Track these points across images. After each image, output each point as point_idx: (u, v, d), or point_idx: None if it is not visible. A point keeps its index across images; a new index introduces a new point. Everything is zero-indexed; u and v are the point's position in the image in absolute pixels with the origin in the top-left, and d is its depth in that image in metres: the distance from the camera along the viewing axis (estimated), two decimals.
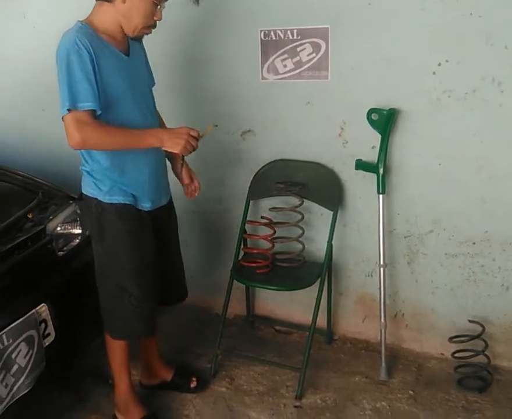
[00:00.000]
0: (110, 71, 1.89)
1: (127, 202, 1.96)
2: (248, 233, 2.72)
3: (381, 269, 2.46)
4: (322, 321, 2.64)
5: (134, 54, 2.03)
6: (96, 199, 1.97)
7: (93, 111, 1.84)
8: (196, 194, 2.28)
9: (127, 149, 1.93)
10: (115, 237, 1.96)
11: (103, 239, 1.99)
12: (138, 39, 2.03)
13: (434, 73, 2.29)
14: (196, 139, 1.94)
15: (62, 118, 1.85)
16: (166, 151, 2.02)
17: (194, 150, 1.94)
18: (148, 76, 2.15)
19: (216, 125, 2.07)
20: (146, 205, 2.05)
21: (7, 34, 3.08)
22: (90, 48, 1.82)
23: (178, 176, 2.24)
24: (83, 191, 2.04)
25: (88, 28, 1.88)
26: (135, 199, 2.01)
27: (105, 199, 1.97)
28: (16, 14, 3.02)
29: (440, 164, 2.38)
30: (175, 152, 1.93)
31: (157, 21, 1.97)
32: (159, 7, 1.93)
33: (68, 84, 1.80)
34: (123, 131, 1.89)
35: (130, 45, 2.02)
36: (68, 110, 1.80)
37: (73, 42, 1.81)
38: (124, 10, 1.89)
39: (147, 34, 2.00)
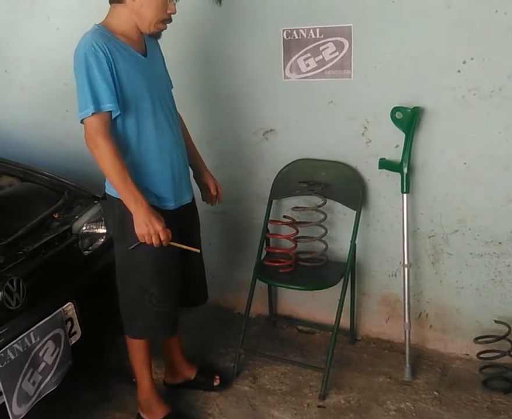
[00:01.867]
0: (128, 72, 1.90)
1: (150, 203, 1.97)
2: (270, 232, 2.72)
3: (405, 269, 2.44)
4: (345, 321, 2.64)
5: (151, 55, 2.05)
6: (119, 199, 1.98)
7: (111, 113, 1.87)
8: (218, 202, 2.33)
9: (112, 184, 1.92)
10: (134, 240, 1.95)
11: (126, 239, 2.00)
12: (156, 36, 2.03)
13: (459, 71, 2.26)
14: (161, 242, 1.92)
15: (82, 121, 1.88)
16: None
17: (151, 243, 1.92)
18: (167, 77, 2.16)
19: (198, 251, 2.09)
20: (169, 205, 2.06)
21: (32, 36, 3.12)
22: (106, 49, 1.84)
23: (203, 184, 2.27)
24: (106, 191, 2.06)
25: (104, 30, 1.90)
26: (158, 199, 2.02)
27: None
28: (40, 16, 3.05)
29: (465, 163, 2.35)
30: (136, 230, 1.90)
31: (172, 15, 1.96)
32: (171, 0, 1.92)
33: (90, 87, 1.82)
34: (123, 175, 1.86)
35: (147, 45, 2.03)
36: (92, 113, 1.82)
37: (89, 44, 1.83)
38: (135, 7, 1.90)
39: (163, 29, 1.99)
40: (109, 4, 1.98)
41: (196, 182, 2.29)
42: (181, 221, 2.11)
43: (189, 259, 2.16)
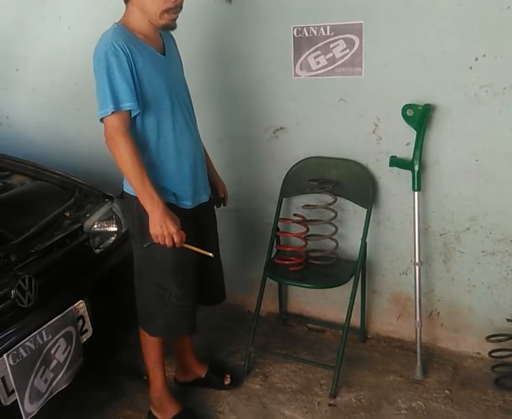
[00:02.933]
0: (148, 70, 1.91)
1: (169, 201, 1.97)
2: (280, 230, 2.72)
3: (417, 267, 2.43)
4: (355, 319, 2.63)
5: (169, 54, 2.05)
6: (137, 198, 1.98)
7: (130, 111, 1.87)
8: (223, 205, 2.37)
9: (130, 183, 1.93)
10: (150, 236, 1.95)
11: (144, 238, 2.00)
12: (170, 28, 2.00)
13: (471, 68, 2.24)
14: (174, 244, 1.92)
15: (101, 119, 1.88)
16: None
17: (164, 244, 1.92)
18: (184, 76, 2.16)
19: (211, 255, 2.06)
20: (187, 203, 2.06)
21: (43, 36, 3.14)
22: (126, 48, 1.85)
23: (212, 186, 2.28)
24: (125, 190, 2.06)
25: (123, 29, 1.91)
26: (176, 198, 2.02)
27: None
28: (51, 16, 3.07)
29: (477, 161, 2.34)
30: (150, 230, 1.91)
31: (179, 4, 1.93)
32: None
33: (110, 85, 1.82)
34: (141, 175, 1.87)
35: (165, 44, 2.04)
36: (112, 112, 1.83)
37: (110, 43, 1.84)
38: (139, 3, 1.91)
39: (174, 19, 1.96)
40: (122, 4, 1.98)
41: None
42: (198, 220, 2.11)
43: (207, 257, 2.16)
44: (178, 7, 1.93)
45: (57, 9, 3.05)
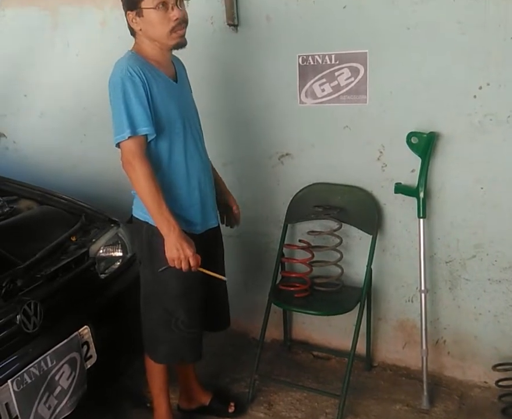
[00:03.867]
0: (162, 96, 1.93)
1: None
2: (285, 256, 2.71)
3: (422, 295, 2.41)
4: (360, 347, 2.61)
5: (181, 80, 2.08)
6: (147, 223, 1.99)
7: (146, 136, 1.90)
8: (237, 224, 2.37)
9: (146, 207, 1.93)
10: (165, 261, 1.95)
11: (153, 263, 2.01)
12: (181, 45, 1.99)
13: (475, 97, 2.26)
14: (190, 267, 1.93)
15: (118, 144, 1.90)
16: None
17: (180, 268, 1.93)
18: (194, 102, 2.19)
19: (225, 279, 2.11)
20: (196, 228, 2.07)
21: (52, 62, 3.17)
22: (142, 74, 1.88)
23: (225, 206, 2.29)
24: (134, 214, 2.07)
25: (137, 56, 1.94)
26: (185, 223, 2.02)
27: None
28: (60, 43, 3.11)
29: (482, 188, 2.34)
30: (166, 254, 1.92)
31: (182, 19, 1.92)
32: (170, 6, 1.90)
33: (126, 111, 1.85)
34: (158, 199, 1.88)
35: (177, 71, 2.07)
36: (129, 137, 1.85)
37: (126, 69, 1.87)
38: (144, 33, 1.94)
39: (182, 36, 1.95)
40: (126, 31, 2.02)
41: (218, 204, 2.29)
42: (206, 245, 2.10)
43: (213, 283, 2.15)
44: (182, 23, 1.94)
45: (66, 35, 3.09)
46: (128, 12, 1.94)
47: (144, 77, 1.88)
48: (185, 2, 2.00)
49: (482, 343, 2.51)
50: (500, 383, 2.40)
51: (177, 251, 1.89)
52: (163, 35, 1.92)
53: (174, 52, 2.05)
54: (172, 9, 1.90)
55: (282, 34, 2.55)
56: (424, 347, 2.43)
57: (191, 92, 2.20)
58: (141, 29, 1.94)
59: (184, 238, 1.91)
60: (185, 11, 1.96)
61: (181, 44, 1.99)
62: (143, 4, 1.89)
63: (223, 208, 2.31)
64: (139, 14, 1.91)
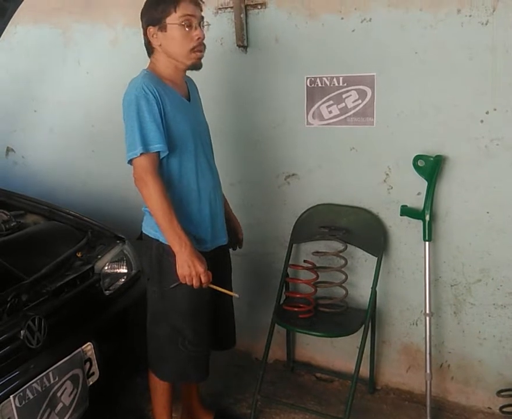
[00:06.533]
0: (175, 114, 1.96)
1: None
2: (290, 276, 2.71)
3: (427, 318, 2.40)
4: (364, 370, 2.59)
5: (193, 100, 2.11)
6: (157, 240, 2.00)
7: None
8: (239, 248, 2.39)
9: (158, 224, 1.93)
10: (175, 277, 1.95)
11: (162, 280, 2.01)
12: (197, 67, 2.02)
13: (482, 121, 2.27)
14: (201, 284, 1.93)
15: (130, 161, 1.92)
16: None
17: (192, 284, 1.94)
18: (206, 121, 2.21)
19: (238, 296, 2.13)
20: (206, 246, 2.07)
21: (63, 79, 3.21)
22: (156, 92, 1.90)
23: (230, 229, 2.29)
24: (144, 231, 2.08)
25: (152, 75, 1.97)
26: (195, 240, 2.02)
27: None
28: (71, 60, 3.16)
29: (488, 213, 2.34)
30: (178, 270, 1.92)
31: (201, 38, 1.96)
32: (194, 25, 1.94)
33: (140, 128, 1.87)
34: (170, 215, 1.89)
35: (189, 90, 2.10)
36: (141, 154, 1.87)
37: (140, 87, 1.89)
38: (164, 49, 1.97)
39: (200, 57, 2.00)
40: (139, 50, 2.06)
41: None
42: (215, 262, 2.10)
43: (220, 302, 2.15)
44: (202, 45, 1.98)
45: (78, 53, 3.13)
46: (150, 27, 1.97)
47: (158, 95, 1.90)
48: (205, 26, 2.04)
49: (486, 368, 2.49)
50: (504, 409, 2.39)
51: (189, 268, 1.90)
52: (183, 52, 1.96)
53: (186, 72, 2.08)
54: (195, 28, 1.95)
55: (291, 55, 2.58)
56: (428, 371, 2.41)
57: (203, 111, 2.22)
58: (160, 45, 1.97)
59: (196, 255, 1.91)
60: (204, 35, 1.99)
61: (197, 66, 2.02)
62: (168, 20, 1.93)
63: (229, 229, 2.31)
64: (162, 29, 1.94)
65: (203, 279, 1.92)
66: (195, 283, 1.92)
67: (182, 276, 1.91)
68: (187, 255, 1.89)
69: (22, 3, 2.47)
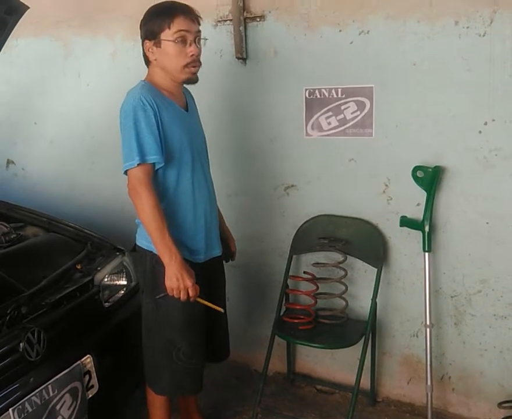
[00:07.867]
0: (172, 125, 1.97)
1: (182, 256, 1.97)
2: (290, 288, 2.70)
3: (427, 330, 2.39)
4: (365, 381, 2.58)
5: (191, 111, 2.12)
6: (151, 252, 2.00)
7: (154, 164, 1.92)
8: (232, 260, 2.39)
9: (150, 235, 1.94)
10: (164, 288, 1.95)
11: (155, 292, 2.01)
12: (191, 81, 2.03)
13: (480, 132, 2.28)
14: (189, 297, 1.93)
15: (125, 171, 1.92)
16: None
17: (178, 297, 1.94)
18: (203, 132, 2.22)
19: (222, 311, 2.12)
20: (199, 257, 2.08)
21: (63, 92, 3.23)
22: (154, 103, 1.91)
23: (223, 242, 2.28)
24: (137, 243, 2.08)
25: (150, 86, 1.98)
26: (189, 252, 2.03)
27: None
28: (71, 73, 3.17)
29: (487, 223, 2.34)
30: (166, 282, 1.93)
31: (197, 56, 1.98)
32: (189, 42, 1.95)
33: (137, 139, 1.88)
34: (161, 228, 1.89)
35: (187, 101, 2.11)
36: (138, 164, 1.88)
37: (138, 98, 1.90)
38: (159, 63, 1.99)
39: (194, 73, 2.01)
40: (139, 62, 2.08)
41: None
42: (208, 274, 2.11)
43: (214, 314, 2.15)
44: (196, 61, 1.99)
45: (78, 66, 3.15)
46: (146, 41, 1.99)
47: (155, 106, 1.91)
48: (202, 40, 2.04)
49: (487, 379, 2.48)
50: None
51: (177, 281, 1.90)
52: (177, 68, 1.97)
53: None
54: (190, 45, 1.96)
55: (289, 67, 2.59)
56: (429, 382, 2.40)
57: (200, 122, 2.23)
58: (156, 59, 1.98)
59: (185, 268, 1.92)
60: (200, 50, 2.00)
61: (192, 80, 2.03)
62: (162, 36, 1.94)
63: (222, 242, 2.31)
64: (157, 44, 1.96)
65: (191, 293, 1.92)
66: (183, 296, 1.92)
67: (170, 288, 1.92)
68: (176, 268, 1.90)
69: (23, 16, 2.49)
